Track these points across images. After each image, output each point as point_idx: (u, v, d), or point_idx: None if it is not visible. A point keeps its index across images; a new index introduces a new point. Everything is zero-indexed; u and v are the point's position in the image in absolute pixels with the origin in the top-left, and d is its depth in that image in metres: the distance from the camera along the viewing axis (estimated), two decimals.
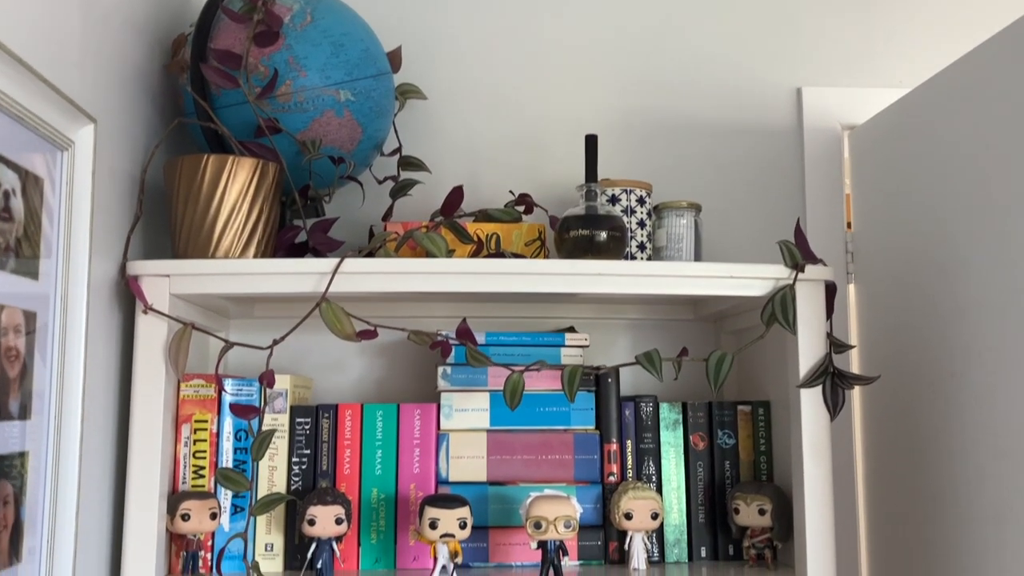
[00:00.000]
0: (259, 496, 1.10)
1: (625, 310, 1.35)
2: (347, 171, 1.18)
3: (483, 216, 1.21)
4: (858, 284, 1.39)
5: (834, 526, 1.07)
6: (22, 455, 0.78)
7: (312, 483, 1.14)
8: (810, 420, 1.07)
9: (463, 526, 1.05)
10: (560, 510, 1.06)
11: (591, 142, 1.16)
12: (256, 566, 0.98)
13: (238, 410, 1.00)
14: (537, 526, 1.05)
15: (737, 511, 1.13)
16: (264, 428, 1.05)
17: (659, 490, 1.18)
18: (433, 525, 1.05)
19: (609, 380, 1.20)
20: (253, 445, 0.98)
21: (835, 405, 1.07)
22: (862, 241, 1.38)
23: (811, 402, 1.07)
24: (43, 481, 0.82)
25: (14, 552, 0.77)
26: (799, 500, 1.08)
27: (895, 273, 1.28)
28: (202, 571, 1.09)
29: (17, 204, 0.78)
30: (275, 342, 1.02)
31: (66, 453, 0.85)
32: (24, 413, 0.79)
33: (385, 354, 1.36)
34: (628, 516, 1.11)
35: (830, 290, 1.09)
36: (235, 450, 1.13)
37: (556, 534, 1.05)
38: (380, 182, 1.26)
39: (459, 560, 1.07)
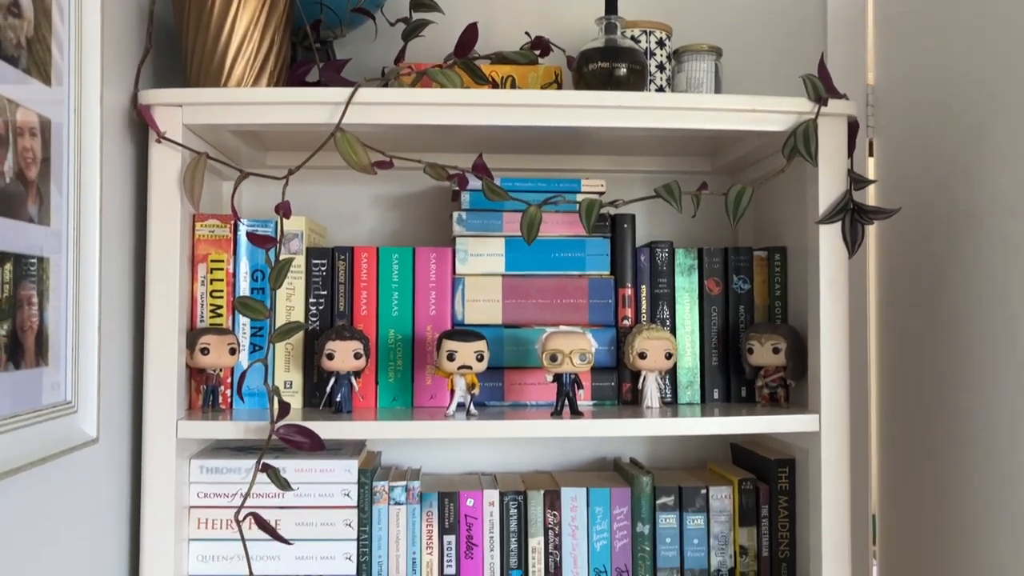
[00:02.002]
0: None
1: (641, 162, 1.34)
2: (358, 1, 1.15)
3: (498, 58, 1.18)
4: (878, 139, 1.37)
5: (848, 366, 1.07)
6: (42, 261, 0.78)
7: (330, 324, 1.15)
8: (828, 257, 1.07)
9: (480, 359, 1.06)
10: (576, 343, 1.06)
11: None
12: (276, 390, 0.99)
13: (255, 239, 1.00)
14: (553, 359, 1.06)
15: (751, 351, 1.14)
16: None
17: (673, 334, 1.19)
18: (451, 357, 1.06)
19: (625, 226, 1.19)
20: (271, 274, 0.98)
21: (854, 241, 1.06)
22: (883, 95, 1.36)
23: (829, 239, 1.07)
24: (65, 292, 0.83)
25: (40, 354, 0.78)
26: (814, 338, 1.08)
27: (916, 129, 1.26)
28: (222, 406, 1.11)
29: (26, 1, 0.76)
30: (290, 172, 1.01)
31: (86, 266, 0.85)
32: (44, 218, 0.79)
33: (399, 206, 1.35)
34: (642, 356, 1.12)
35: (852, 127, 1.07)
36: (252, 290, 1.13)
37: (571, 367, 1.06)
38: (392, 24, 1.23)
39: (476, 392, 1.08)
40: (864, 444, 1.36)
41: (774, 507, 1.18)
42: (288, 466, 1.12)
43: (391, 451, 1.33)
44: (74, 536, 0.91)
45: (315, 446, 0.96)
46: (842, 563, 1.06)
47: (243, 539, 0.98)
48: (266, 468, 0.96)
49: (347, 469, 1.14)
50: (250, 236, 1.01)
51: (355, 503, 1.14)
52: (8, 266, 0.71)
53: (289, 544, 1.06)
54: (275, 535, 0.95)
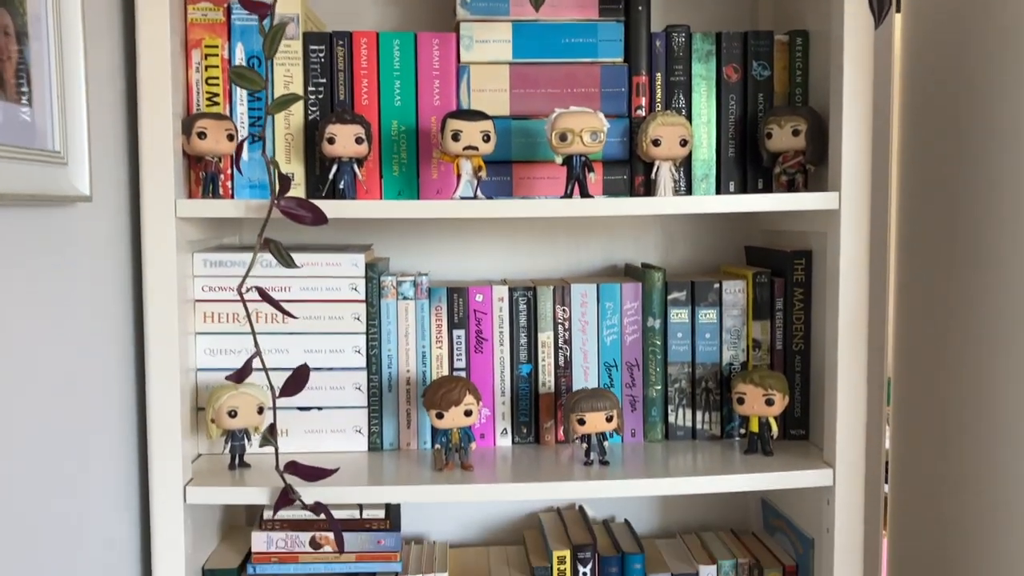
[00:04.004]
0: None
1: None
2: None
3: None
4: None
5: (870, 145, 1.03)
6: None
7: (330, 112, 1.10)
8: (852, 36, 1.01)
9: (487, 139, 1.02)
10: (586, 122, 1.02)
11: None
12: (275, 163, 0.96)
13: (247, 4, 0.95)
14: (563, 138, 1.02)
15: (769, 135, 1.09)
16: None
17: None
18: (455, 137, 1.02)
19: (639, 8, 1.13)
20: (264, 42, 0.93)
21: (880, 10, 1.00)
22: None
23: (855, 17, 1.00)
24: (46, 37, 0.78)
25: (20, 90, 0.74)
26: (836, 118, 1.03)
27: None
28: (222, 195, 1.08)
29: None
30: None
31: (69, 37, 0.80)
32: None
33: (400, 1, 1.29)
34: (656, 143, 1.07)
35: None
36: None
37: (582, 146, 1.02)
38: None
39: (483, 176, 1.05)
40: (883, 230, 1.30)
41: (789, 300, 1.16)
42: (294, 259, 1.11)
43: (398, 258, 1.31)
44: (74, 299, 0.89)
45: (317, 219, 0.93)
46: (857, 352, 1.04)
47: (247, 313, 0.96)
48: (268, 243, 0.94)
49: (354, 263, 1.12)
50: (242, 1, 0.95)
51: (363, 297, 1.12)
52: None
53: (293, 317, 1.05)
54: (277, 306, 0.93)
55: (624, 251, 1.33)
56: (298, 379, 0.94)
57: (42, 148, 0.75)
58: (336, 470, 0.99)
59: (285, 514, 1.13)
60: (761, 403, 1.07)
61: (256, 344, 0.95)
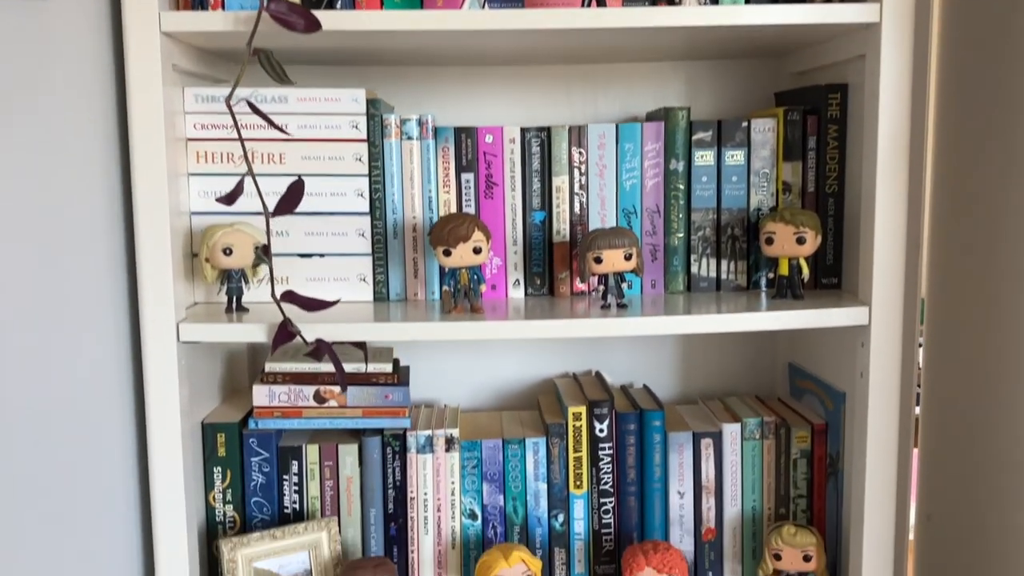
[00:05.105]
0: None
1: None
2: None
3: None
4: None
5: None
6: None
7: None
8: None
9: None
10: None
11: None
12: None
13: None
14: None
15: None
16: None
17: None
18: None
19: None
20: None
21: None
22: None
23: None
24: None
25: None
26: None
27: None
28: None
29: None
30: None
31: None
32: None
33: None
34: None
35: None
36: None
37: None
38: None
39: None
40: (924, 46, 1.20)
41: (822, 138, 1.07)
42: (289, 95, 1.03)
43: (403, 108, 1.23)
44: (54, 134, 0.83)
45: (310, 25, 0.86)
46: (897, 188, 0.96)
47: (236, 124, 0.90)
48: (258, 52, 0.86)
49: (354, 99, 1.05)
50: None
51: (364, 136, 1.05)
52: None
53: (284, 132, 0.99)
54: (268, 120, 0.87)
55: (644, 101, 1.24)
56: (293, 194, 0.87)
57: None
58: (336, 302, 0.93)
59: (288, 366, 1.08)
60: (792, 242, 1.00)
61: (248, 162, 0.88)
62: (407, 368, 1.18)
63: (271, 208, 0.89)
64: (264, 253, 0.90)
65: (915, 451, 1.24)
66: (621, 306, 1.01)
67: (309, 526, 1.05)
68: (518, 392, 1.29)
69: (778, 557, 1.06)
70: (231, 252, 0.97)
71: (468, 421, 1.20)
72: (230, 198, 0.87)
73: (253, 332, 0.94)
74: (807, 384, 1.18)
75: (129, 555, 0.99)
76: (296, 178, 0.89)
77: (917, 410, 1.24)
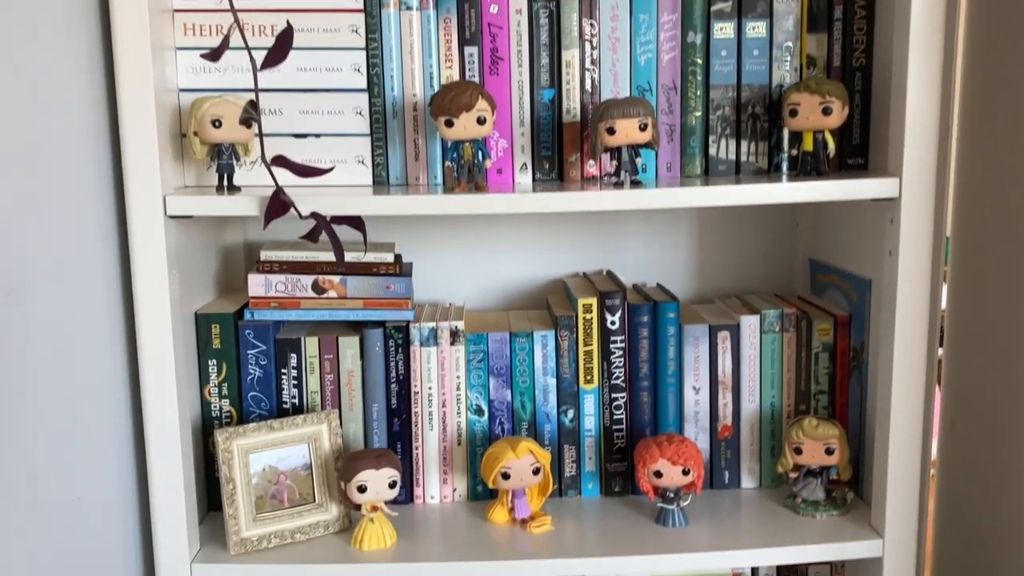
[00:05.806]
0: None
1: None
2: None
3: None
4: None
5: None
6: None
7: None
8: None
9: None
10: None
11: None
12: None
13: None
14: None
15: None
16: None
17: None
18: None
19: None
20: None
21: None
22: None
23: None
24: None
25: None
26: None
27: None
28: None
29: None
30: None
31: None
32: None
33: None
34: None
35: None
36: None
37: None
38: None
39: None
40: None
41: (850, 7, 1.00)
42: None
43: None
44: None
45: None
46: (931, 59, 0.89)
47: (233, 8, 0.83)
48: None
49: None
50: None
51: (361, 6, 0.99)
52: None
53: None
54: None
55: None
56: (281, 44, 0.81)
57: None
58: (331, 169, 0.88)
59: (285, 254, 1.03)
60: (817, 113, 0.94)
61: (235, 16, 0.82)
62: (410, 263, 1.13)
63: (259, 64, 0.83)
64: (252, 108, 0.84)
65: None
66: (635, 183, 0.95)
67: (308, 418, 1.01)
68: (526, 294, 1.24)
69: (799, 451, 1.01)
70: (220, 124, 0.91)
71: (474, 319, 1.15)
72: (215, 54, 0.81)
73: (244, 205, 0.89)
74: (830, 278, 1.13)
75: (119, 450, 0.95)
76: (285, 27, 0.83)
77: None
